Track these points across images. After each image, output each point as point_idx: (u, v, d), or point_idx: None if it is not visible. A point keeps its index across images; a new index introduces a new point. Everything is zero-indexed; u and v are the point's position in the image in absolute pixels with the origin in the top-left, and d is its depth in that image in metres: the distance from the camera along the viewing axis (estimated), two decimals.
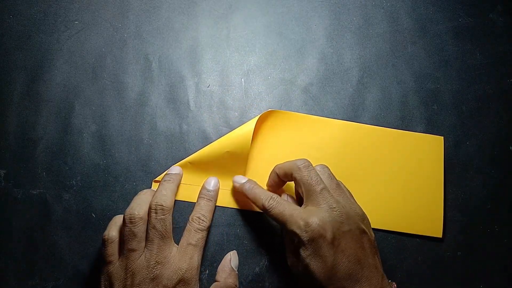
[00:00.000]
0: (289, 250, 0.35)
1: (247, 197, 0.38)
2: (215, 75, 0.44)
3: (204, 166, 0.40)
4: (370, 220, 0.40)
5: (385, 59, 0.45)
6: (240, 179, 0.39)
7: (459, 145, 0.43)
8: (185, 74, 0.43)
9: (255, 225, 0.40)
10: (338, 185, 0.36)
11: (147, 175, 0.40)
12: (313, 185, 0.35)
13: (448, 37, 0.46)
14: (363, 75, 0.45)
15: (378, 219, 0.40)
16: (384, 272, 0.37)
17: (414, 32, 0.46)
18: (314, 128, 0.42)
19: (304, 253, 0.33)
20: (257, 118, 0.40)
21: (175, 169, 0.39)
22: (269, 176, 0.39)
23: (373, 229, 0.40)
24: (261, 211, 0.37)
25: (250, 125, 0.40)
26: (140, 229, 0.34)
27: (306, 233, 0.33)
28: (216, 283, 0.36)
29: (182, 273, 0.33)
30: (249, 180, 0.39)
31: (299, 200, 0.38)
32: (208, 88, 0.43)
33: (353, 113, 0.43)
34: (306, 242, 0.33)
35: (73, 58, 0.43)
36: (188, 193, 0.40)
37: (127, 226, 0.34)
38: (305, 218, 0.33)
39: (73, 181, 0.40)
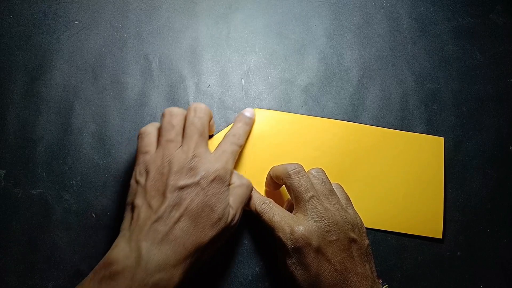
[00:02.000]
0: (278, 255, 0.36)
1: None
2: (215, 75, 0.44)
3: None
4: (370, 221, 0.40)
5: (385, 59, 0.45)
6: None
7: (459, 145, 0.43)
8: (185, 74, 0.43)
9: (255, 225, 0.40)
10: (332, 191, 0.36)
11: None
12: (302, 192, 0.34)
13: (448, 37, 0.46)
14: (363, 75, 0.45)
15: (378, 220, 0.40)
16: (384, 272, 0.37)
17: (414, 32, 0.46)
18: (314, 129, 0.42)
19: (289, 261, 0.33)
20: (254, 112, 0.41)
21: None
22: (266, 178, 0.39)
23: (373, 229, 0.40)
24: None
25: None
26: (178, 122, 0.35)
27: (291, 241, 0.33)
28: (232, 184, 0.35)
29: (218, 170, 0.33)
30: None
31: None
32: (208, 88, 0.43)
33: (353, 113, 0.43)
34: (291, 250, 0.33)
35: (73, 58, 0.43)
36: None
37: (165, 118, 0.35)
38: (292, 225, 0.33)
39: (73, 181, 0.40)
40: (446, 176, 0.42)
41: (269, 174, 0.39)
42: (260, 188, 0.40)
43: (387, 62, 0.45)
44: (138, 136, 0.35)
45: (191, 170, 0.32)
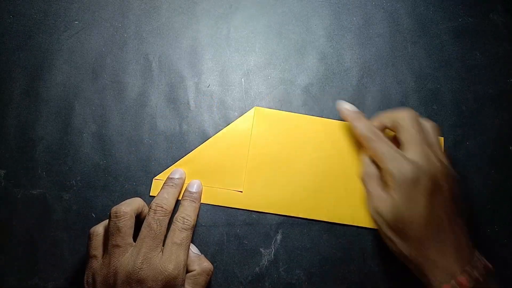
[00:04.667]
0: (376, 190, 0.36)
1: (351, 123, 0.39)
2: (215, 75, 0.44)
3: (205, 163, 0.40)
4: (366, 219, 0.40)
5: (385, 59, 0.45)
6: (346, 105, 0.40)
7: (459, 145, 0.43)
8: (185, 74, 0.43)
9: (255, 225, 0.40)
10: (439, 141, 0.37)
11: (147, 175, 0.40)
12: (415, 134, 0.35)
13: (448, 37, 0.46)
14: (363, 75, 0.45)
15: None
16: (384, 272, 0.37)
17: (414, 32, 0.46)
18: (314, 128, 0.42)
19: (396, 195, 0.33)
20: (253, 110, 0.42)
21: (178, 172, 0.39)
22: (367, 127, 0.38)
23: (363, 232, 0.40)
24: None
25: (248, 119, 0.42)
26: (125, 224, 0.33)
27: (402, 175, 0.33)
28: (192, 272, 0.35)
29: (168, 273, 0.32)
30: (357, 111, 0.40)
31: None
32: (208, 88, 0.43)
33: None
34: (401, 183, 0.33)
35: (73, 58, 0.43)
36: None
37: (112, 220, 0.33)
38: (402, 160, 0.34)
39: (73, 181, 0.40)
40: None
41: (377, 121, 0.39)
42: (257, 182, 0.40)
43: (387, 62, 0.45)
44: (88, 237, 0.35)
45: (139, 281, 0.31)
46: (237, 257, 0.39)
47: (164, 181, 0.39)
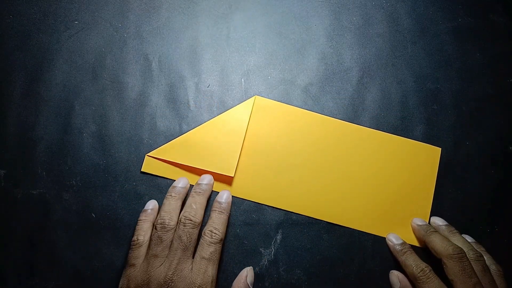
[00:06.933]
0: None
1: (397, 259, 0.39)
2: (215, 75, 0.44)
3: (199, 145, 0.40)
4: (359, 223, 0.40)
5: (385, 59, 0.45)
6: (395, 239, 0.40)
7: (459, 145, 0.43)
8: (185, 74, 0.43)
9: (255, 225, 0.40)
10: (493, 280, 0.36)
11: (147, 175, 0.40)
12: (466, 278, 0.35)
13: (448, 37, 0.46)
14: (363, 75, 0.45)
15: (364, 222, 0.41)
16: (384, 272, 0.36)
17: (414, 32, 0.46)
18: (312, 124, 0.43)
19: None
20: (253, 99, 0.42)
21: (206, 178, 0.40)
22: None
23: (362, 232, 0.40)
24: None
25: (247, 106, 0.42)
26: (168, 237, 0.35)
27: None
28: None
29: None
30: (404, 243, 0.39)
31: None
32: (208, 88, 0.43)
33: (353, 113, 0.43)
34: None
35: (73, 58, 0.43)
36: (183, 173, 0.40)
37: (157, 232, 0.35)
38: None
39: (73, 181, 0.40)
40: (446, 176, 0.42)
41: (421, 240, 0.40)
42: (249, 170, 0.40)
43: (387, 62, 0.45)
44: (130, 245, 0.36)
45: None
46: (237, 257, 0.39)
47: (156, 158, 0.40)
